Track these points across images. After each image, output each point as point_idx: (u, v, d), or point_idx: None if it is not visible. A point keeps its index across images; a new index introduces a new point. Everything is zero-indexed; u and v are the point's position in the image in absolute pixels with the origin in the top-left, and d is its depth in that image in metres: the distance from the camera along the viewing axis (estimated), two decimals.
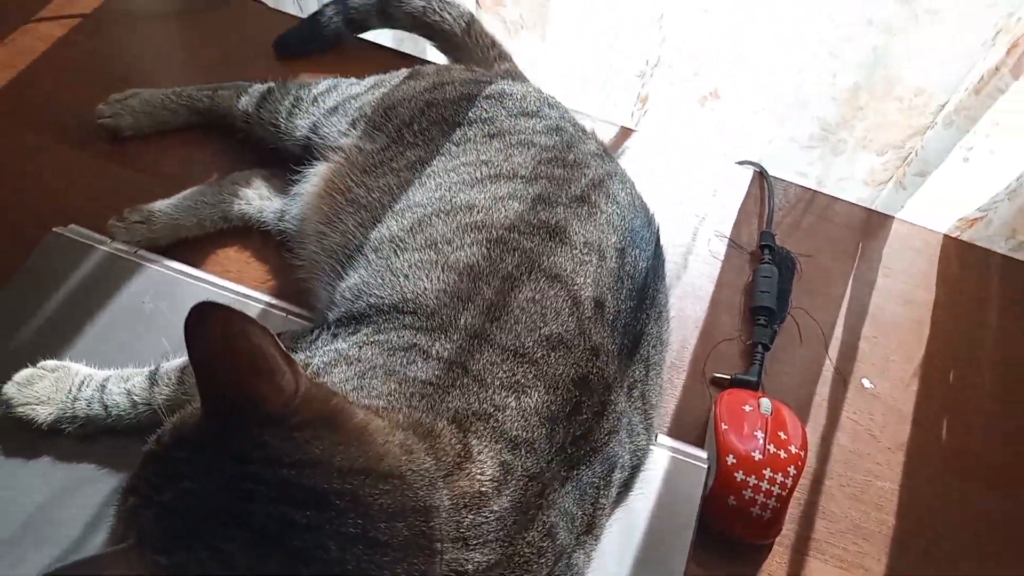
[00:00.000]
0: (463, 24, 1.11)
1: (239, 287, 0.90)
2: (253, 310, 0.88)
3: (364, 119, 0.93)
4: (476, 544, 0.56)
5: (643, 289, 0.81)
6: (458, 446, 0.59)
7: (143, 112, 1.04)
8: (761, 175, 1.18)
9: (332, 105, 0.97)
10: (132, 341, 0.84)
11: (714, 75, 1.37)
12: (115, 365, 0.82)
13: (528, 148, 0.87)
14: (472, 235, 0.76)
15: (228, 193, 0.97)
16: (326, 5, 1.17)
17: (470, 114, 0.90)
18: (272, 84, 1.03)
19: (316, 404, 0.52)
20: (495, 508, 0.58)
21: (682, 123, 1.43)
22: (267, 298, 0.90)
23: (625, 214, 0.84)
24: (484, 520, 0.57)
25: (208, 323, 0.48)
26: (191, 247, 0.97)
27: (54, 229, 0.91)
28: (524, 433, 0.64)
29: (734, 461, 0.86)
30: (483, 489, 0.58)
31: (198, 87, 1.06)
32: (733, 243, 1.11)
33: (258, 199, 0.98)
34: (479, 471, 0.59)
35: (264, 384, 0.50)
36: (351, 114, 0.95)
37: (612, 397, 0.72)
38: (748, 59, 1.31)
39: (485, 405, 0.64)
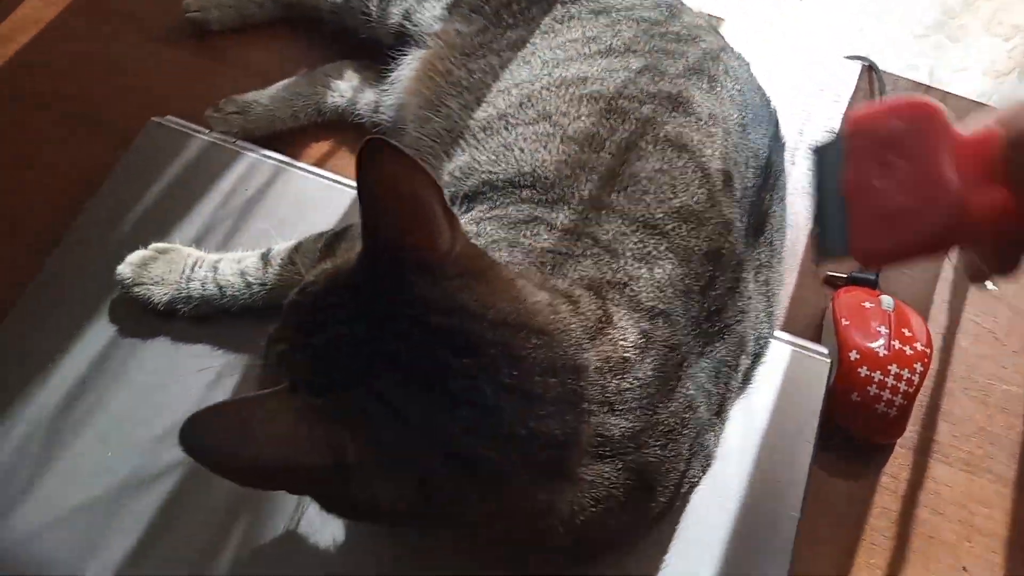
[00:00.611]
0: None
1: (335, 175, 0.89)
2: (348, 198, 0.86)
3: (460, 2, 0.89)
4: (621, 410, 0.54)
5: (767, 168, 0.77)
6: (598, 311, 0.57)
7: (229, 5, 1.02)
8: (870, 69, 1.11)
9: None
10: (235, 226, 0.83)
11: None
12: (220, 249, 0.81)
13: (637, 23, 0.82)
14: (589, 105, 0.73)
15: (321, 85, 0.95)
16: None
17: None
18: None
19: (470, 261, 0.51)
20: (639, 375, 0.56)
21: (782, 14, 1.35)
22: (350, 181, 0.88)
23: (744, 89, 0.79)
24: (628, 386, 0.55)
25: (379, 159, 0.46)
26: (286, 139, 0.95)
27: (152, 118, 0.90)
28: (660, 304, 0.61)
29: (857, 357, 0.82)
30: (626, 355, 0.56)
31: None
32: None
33: (351, 91, 0.95)
34: (621, 337, 0.56)
35: (424, 233, 0.48)
36: None
37: (743, 275, 0.68)
38: None
39: (619, 275, 0.61)
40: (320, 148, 0.96)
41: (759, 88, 0.84)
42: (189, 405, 0.70)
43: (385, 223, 0.48)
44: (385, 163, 0.46)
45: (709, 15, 0.93)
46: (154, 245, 0.78)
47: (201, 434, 0.44)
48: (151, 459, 0.71)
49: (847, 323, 0.85)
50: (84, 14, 1.07)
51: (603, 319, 0.56)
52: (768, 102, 0.83)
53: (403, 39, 0.93)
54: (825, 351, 0.83)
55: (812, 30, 1.31)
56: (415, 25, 0.92)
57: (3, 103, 0.98)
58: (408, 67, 0.90)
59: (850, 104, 1.09)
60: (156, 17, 1.06)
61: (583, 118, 0.72)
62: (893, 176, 0.47)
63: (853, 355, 0.82)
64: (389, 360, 0.47)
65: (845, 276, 0.93)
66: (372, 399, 0.46)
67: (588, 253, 0.62)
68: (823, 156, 0.53)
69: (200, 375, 0.75)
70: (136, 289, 0.75)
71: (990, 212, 0.45)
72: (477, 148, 0.76)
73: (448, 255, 0.49)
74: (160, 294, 0.75)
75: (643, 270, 0.62)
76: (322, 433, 0.45)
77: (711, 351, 0.64)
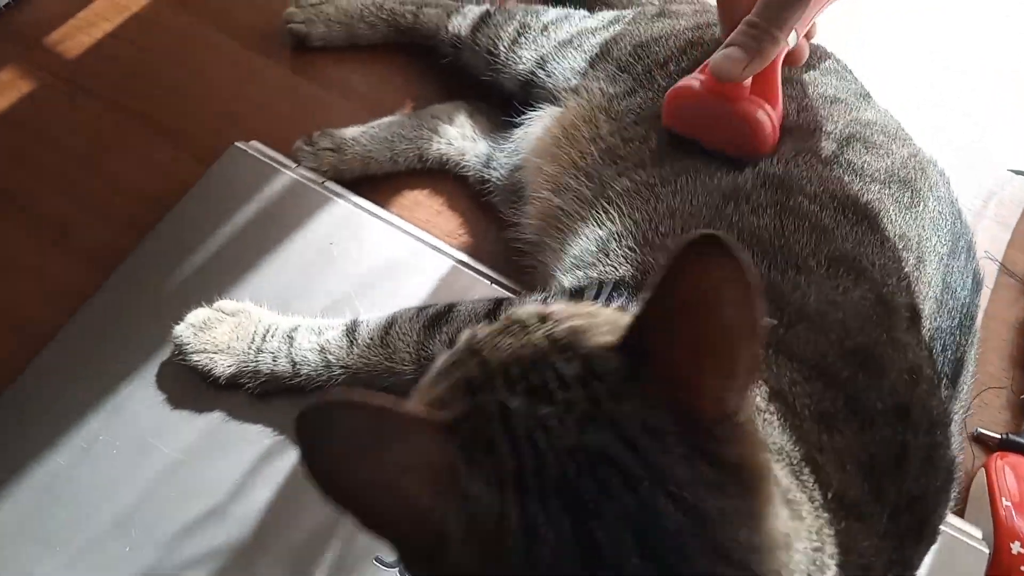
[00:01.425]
0: None
1: (429, 237, 0.79)
2: (443, 265, 0.75)
3: (606, 57, 0.78)
4: None
5: (965, 309, 0.64)
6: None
7: (338, 22, 0.93)
8: None
9: (565, 38, 0.82)
10: (313, 279, 0.74)
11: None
12: (292, 303, 0.72)
13: (833, 104, 0.71)
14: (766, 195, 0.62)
15: (428, 128, 0.85)
16: None
17: None
18: (490, 7, 0.89)
19: (743, 447, 0.37)
20: None
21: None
22: (459, 255, 0.78)
23: (946, 212, 0.67)
24: None
25: (708, 260, 0.34)
26: (377, 184, 0.85)
27: (236, 144, 0.81)
28: (850, 492, 0.49)
29: (1022, 551, 0.69)
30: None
31: (400, 1, 0.93)
32: (1006, 269, 0.92)
33: (460, 139, 0.85)
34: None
35: (713, 380, 0.36)
36: (588, 51, 0.80)
37: (938, 440, 0.56)
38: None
39: (802, 447, 0.50)
40: (413, 197, 0.86)
41: (960, 213, 0.72)
42: (221, 494, 0.64)
43: (671, 341, 0.36)
44: (713, 268, 0.35)
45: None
46: (220, 304, 0.68)
47: (325, 432, 0.34)
48: (170, 558, 0.62)
49: (1008, 505, 0.72)
50: (176, 6, 0.98)
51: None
52: (968, 231, 0.71)
53: (531, 89, 0.83)
54: (979, 535, 0.70)
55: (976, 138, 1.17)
56: (549, 76, 0.81)
57: (75, 98, 0.90)
58: (538, 124, 0.79)
59: (1017, 225, 0.96)
60: (254, 21, 0.97)
61: (759, 214, 0.61)
62: None
63: (1016, 548, 0.70)
64: (570, 485, 0.35)
65: (999, 437, 0.80)
66: (559, 512, 0.35)
67: (772, 411, 0.50)
68: None
69: (240, 455, 0.66)
70: (195, 357, 0.66)
71: None
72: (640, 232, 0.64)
73: (723, 419, 0.37)
74: (223, 365, 0.65)
75: (824, 436, 0.50)
76: (475, 507, 0.35)
77: (899, 556, 0.51)
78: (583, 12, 0.88)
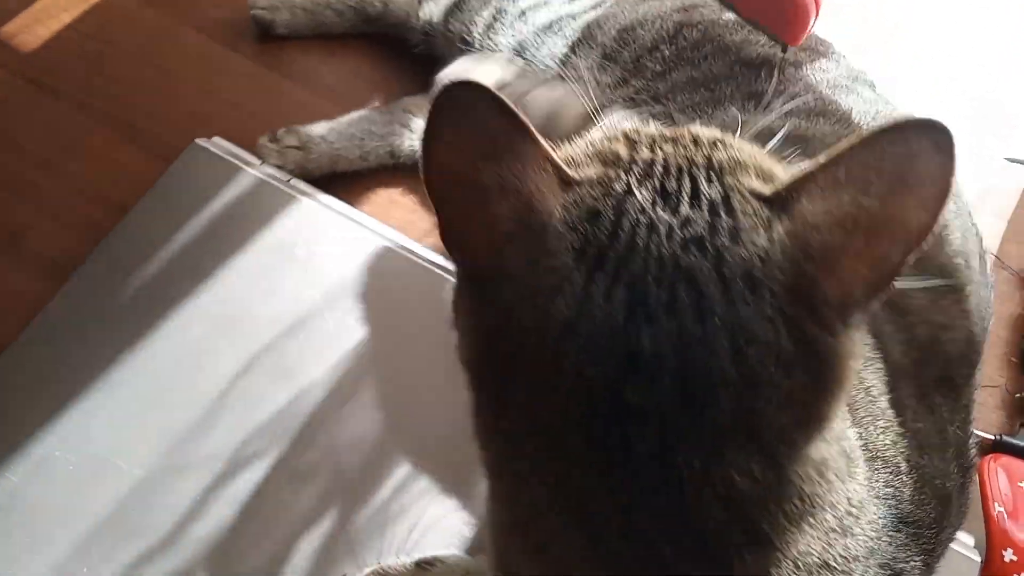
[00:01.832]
0: None
1: (402, 238, 0.76)
2: (420, 271, 0.72)
3: (589, 43, 0.75)
4: None
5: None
6: None
7: (303, 8, 0.89)
8: None
9: (545, 22, 0.79)
10: (277, 285, 0.71)
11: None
12: (255, 310, 0.69)
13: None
14: None
15: (399, 124, 0.82)
16: None
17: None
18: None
19: (837, 347, 0.36)
20: None
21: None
22: (436, 257, 0.75)
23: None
24: None
25: (924, 140, 0.34)
26: (348, 181, 0.82)
27: (197, 140, 0.78)
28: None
29: (1015, 559, 0.68)
30: None
31: None
32: (1001, 263, 0.90)
33: None
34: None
35: (852, 259, 0.35)
36: (569, 35, 0.77)
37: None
38: None
39: None
40: (386, 195, 0.83)
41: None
42: (181, 514, 0.61)
43: (827, 210, 0.35)
44: (922, 156, 0.34)
45: None
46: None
47: (459, 113, 0.35)
48: None
49: (1001, 510, 0.70)
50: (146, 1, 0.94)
51: None
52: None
53: None
54: (971, 542, 0.68)
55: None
56: (527, 62, 0.78)
57: (32, 95, 0.86)
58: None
59: (1012, 217, 0.93)
60: (220, 13, 0.93)
61: None
62: None
63: (1008, 556, 0.68)
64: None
65: (992, 438, 0.78)
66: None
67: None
68: None
69: (201, 471, 0.64)
70: None
71: None
72: None
73: (836, 311, 0.35)
74: None
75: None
76: (546, 262, 0.35)
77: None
78: None
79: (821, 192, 0.35)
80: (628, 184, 0.36)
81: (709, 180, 0.37)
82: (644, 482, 0.34)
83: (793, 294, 0.34)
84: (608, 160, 0.38)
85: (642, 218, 0.35)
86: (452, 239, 0.37)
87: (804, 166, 0.36)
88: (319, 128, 0.80)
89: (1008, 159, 0.98)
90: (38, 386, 0.67)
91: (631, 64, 0.73)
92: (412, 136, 0.82)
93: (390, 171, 0.83)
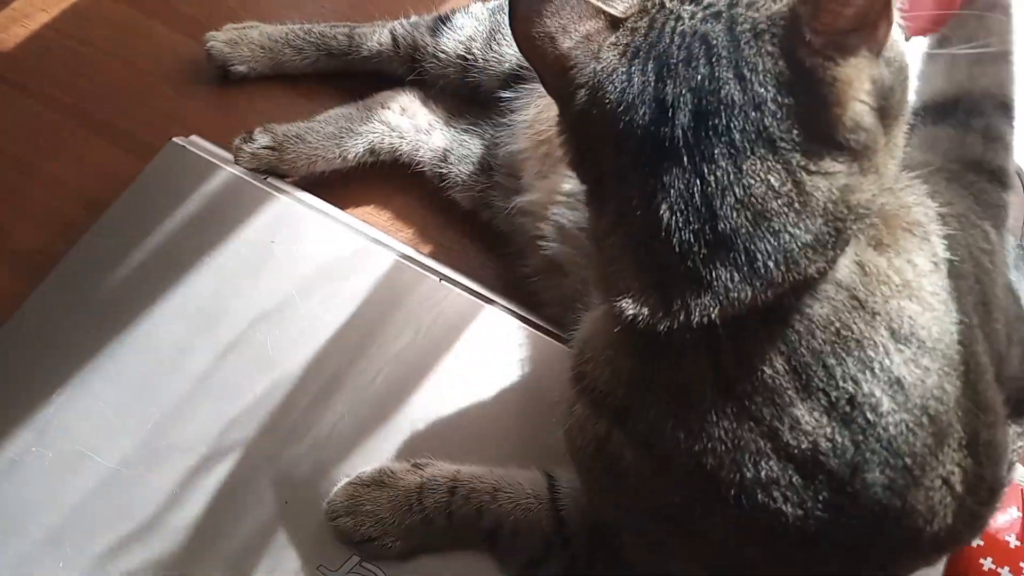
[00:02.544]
0: None
1: (375, 232, 0.78)
2: (387, 263, 0.74)
3: None
4: None
5: None
6: None
7: (261, 47, 0.87)
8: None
9: None
10: (254, 279, 0.72)
11: None
12: (232, 304, 0.71)
13: None
14: None
15: (379, 120, 0.82)
16: None
17: None
18: (439, 14, 0.86)
19: (838, 68, 0.43)
20: None
21: None
22: (407, 249, 0.77)
23: None
24: None
25: None
26: (325, 176, 0.82)
27: (174, 139, 0.79)
28: None
29: (980, 543, 0.69)
30: None
31: (331, 24, 0.89)
32: None
33: (414, 132, 0.83)
34: None
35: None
36: None
37: None
38: None
39: None
40: (362, 191, 0.84)
41: None
42: (156, 505, 0.62)
43: None
44: None
45: None
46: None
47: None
48: (104, 572, 0.61)
49: None
50: None
51: None
52: None
53: (518, 82, 0.80)
54: None
55: None
56: None
57: (9, 94, 0.88)
58: (526, 108, 0.77)
59: None
60: (196, 12, 0.95)
61: None
62: None
63: (974, 541, 0.69)
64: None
65: None
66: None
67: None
68: None
69: (175, 464, 0.65)
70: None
71: None
72: None
73: (832, 39, 0.42)
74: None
75: None
76: (600, 65, 0.46)
77: None
78: None
79: None
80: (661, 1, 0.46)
81: None
82: (679, 198, 0.43)
83: (789, 32, 0.42)
84: None
85: (671, 15, 0.45)
86: (546, 81, 0.49)
87: None
88: (296, 127, 0.81)
89: None
90: (15, 382, 0.68)
91: None
92: (392, 134, 0.82)
93: (367, 166, 0.83)
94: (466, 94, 0.84)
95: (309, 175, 0.80)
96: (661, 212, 0.43)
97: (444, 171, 0.81)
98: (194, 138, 0.80)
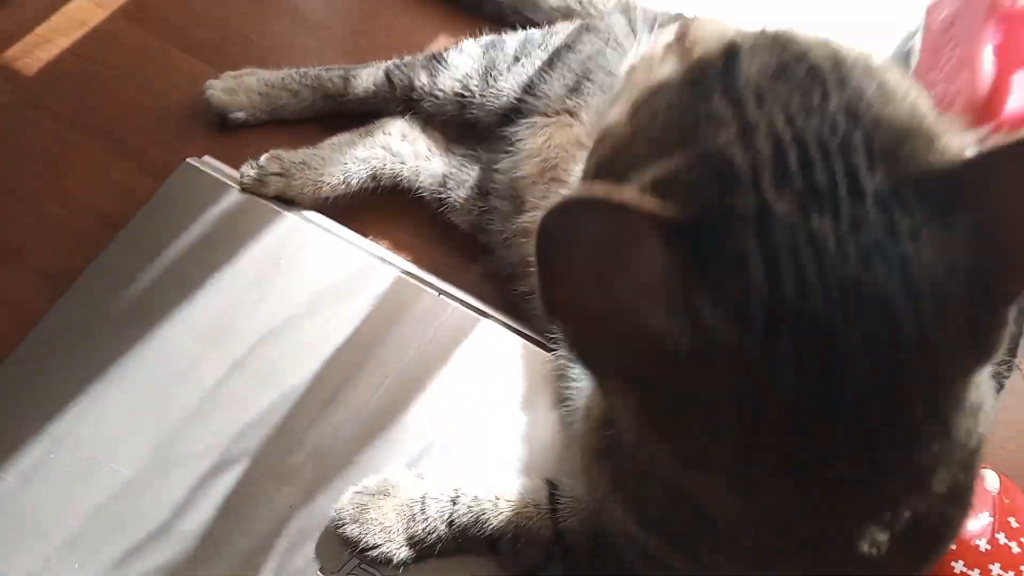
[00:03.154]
0: None
1: (381, 250, 0.81)
2: (389, 279, 0.77)
3: (601, 71, 0.80)
4: None
5: None
6: None
7: (259, 92, 0.90)
8: None
9: (547, 59, 0.83)
10: (262, 296, 0.76)
11: None
12: (239, 321, 0.74)
13: None
14: None
15: (381, 146, 0.86)
16: None
17: None
18: (433, 53, 0.89)
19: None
20: None
21: None
22: (409, 266, 0.80)
23: None
24: None
25: None
26: (332, 202, 0.85)
27: (188, 160, 0.83)
28: None
29: (952, 547, 0.71)
30: None
31: (326, 67, 0.92)
32: None
33: (414, 158, 0.86)
34: None
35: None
36: (575, 66, 0.81)
37: None
38: None
39: None
40: (367, 211, 0.87)
41: None
42: (168, 510, 0.66)
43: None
44: None
45: None
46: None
47: (566, 246, 0.31)
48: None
49: None
50: (134, 23, 1.00)
51: None
52: None
53: (515, 115, 0.83)
54: None
55: None
56: (538, 98, 0.82)
57: (32, 115, 0.92)
58: (531, 138, 0.80)
59: None
60: (210, 37, 0.99)
61: None
62: None
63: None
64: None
65: None
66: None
67: None
68: None
69: (186, 471, 0.68)
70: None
71: None
72: None
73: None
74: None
75: None
76: (709, 338, 0.31)
77: None
78: (538, 32, 0.88)
79: (1010, 177, 0.31)
80: (760, 201, 0.31)
81: (868, 154, 0.31)
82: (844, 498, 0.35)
83: (976, 297, 0.32)
84: (716, 163, 0.31)
85: (800, 240, 0.30)
86: (606, 358, 0.35)
87: (983, 137, 0.33)
88: (302, 154, 0.84)
89: None
90: (35, 394, 0.71)
91: None
92: (394, 160, 0.85)
93: (370, 191, 0.86)
94: (464, 125, 0.87)
95: (315, 200, 0.83)
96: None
97: (443, 196, 0.84)
98: (207, 158, 0.84)
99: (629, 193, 0.31)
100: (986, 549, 0.72)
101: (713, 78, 0.34)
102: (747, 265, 0.30)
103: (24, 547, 0.65)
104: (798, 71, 0.33)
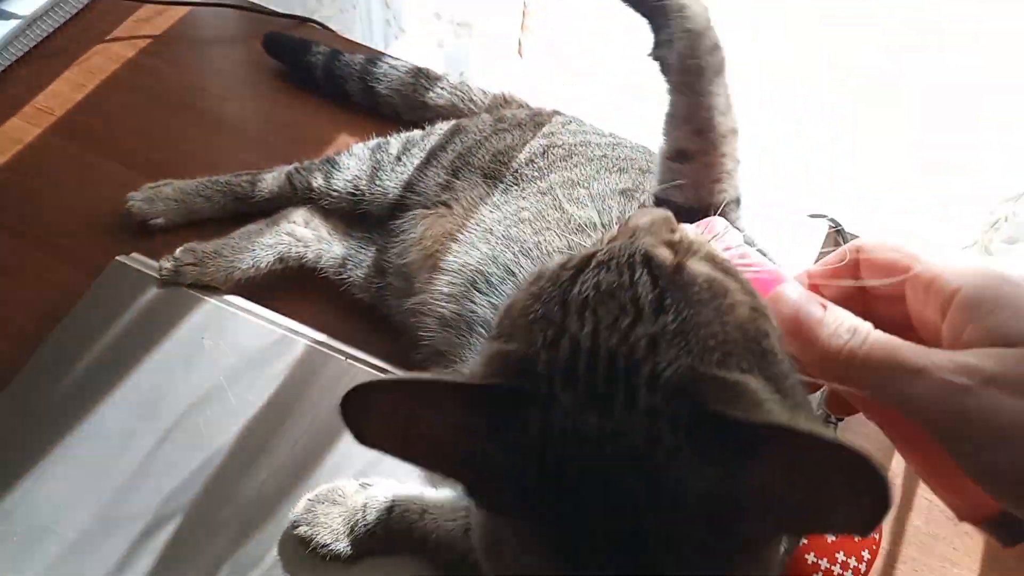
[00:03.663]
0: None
1: (294, 323, 0.92)
2: (299, 348, 0.88)
3: (468, 167, 0.93)
4: None
5: None
6: None
7: (175, 200, 1.02)
8: (837, 232, 1.15)
9: (422, 159, 0.97)
10: (188, 372, 0.86)
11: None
12: (168, 395, 0.85)
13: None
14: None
15: (286, 233, 0.97)
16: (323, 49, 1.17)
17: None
18: (327, 157, 1.03)
19: None
20: None
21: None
22: (319, 336, 0.91)
23: None
24: None
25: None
26: (245, 284, 0.96)
27: (117, 258, 0.94)
28: None
29: (804, 541, 0.83)
30: None
31: (235, 174, 1.04)
32: None
33: (316, 242, 0.98)
34: None
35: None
36: (447, 165, 0.95)
37: None
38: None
39: None
40: (279, 290, 0.97)
41: None
42: (112, 567, 0.74)
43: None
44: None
45: None
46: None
47: (363, 413, 0.41)
48: None
49: None
50: (65, 137, 1.11)
51: None
52: None
53: (399, 209, 0.96)
54: None
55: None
56: (418, 194, 0.95)
57: None
58: (413, 229, 0.93)
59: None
60: (136, 146, 1.10)
61: None
62: None
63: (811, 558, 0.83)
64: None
65: None
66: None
67: None
68: None
69: (130, 527, 0.77)
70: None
71: None
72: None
73: None
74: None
75: None
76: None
77: None
78: (419, 132, 1.03)
79: (781, 457, 0.36)
80: (551, 389, 0.38)
81: (651, 388, 0.37)
82: None
83: (720, 532, 0.37)
84: (537, 329, 0.40)
85: (569, 426, 0.37)
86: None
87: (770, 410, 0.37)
88: (214, 244, 0.95)
89: (811, 215, 1.18)
90: None
91: (510, 176, 0.91)
92: (296, 243, 0.97)
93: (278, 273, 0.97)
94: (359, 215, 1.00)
95: (228, 285, 0.94)
96: None
97: (344, 275, 0.96)
98: (134, 255, 0.95)
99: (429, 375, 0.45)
100: (832, 539, 0.83)
101: (564, 282, 0.42)
102: (528, 429, 0.39)
103: None
104: (622, 296, 0.40)
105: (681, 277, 0.41)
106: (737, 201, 0.72)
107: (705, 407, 0.37)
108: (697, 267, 0.42)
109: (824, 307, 0.44)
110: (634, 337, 0.38)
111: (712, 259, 0.43)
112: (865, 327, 0.42)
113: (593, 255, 0.43)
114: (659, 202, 0.70)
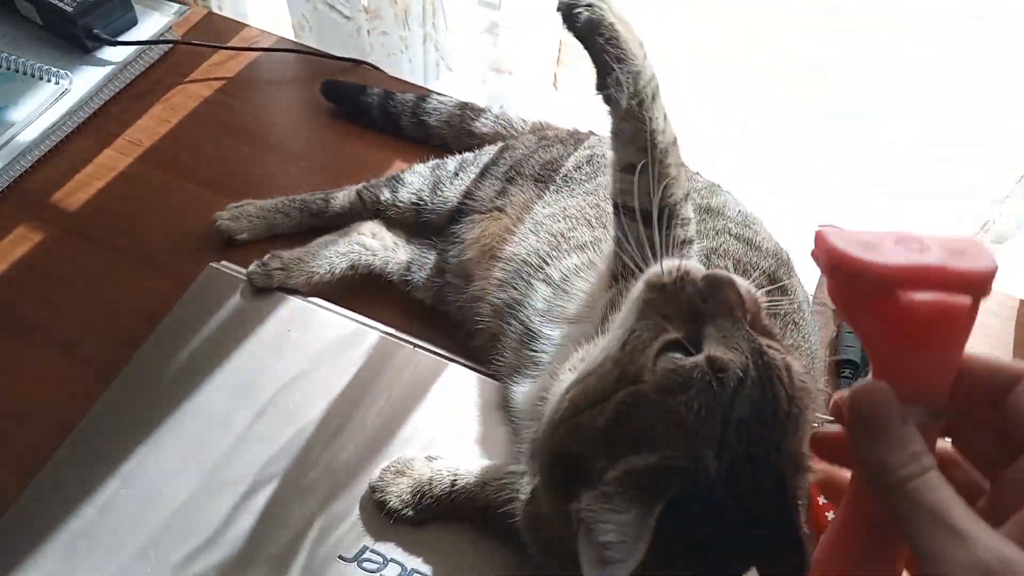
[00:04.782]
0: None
1: (366, 319, 1.04)
2: (374, 338, 1.01)
3: (521, 174, 1.06)
4: None
5: None
6: None
7: (258, 216, 1.15)
8: None
9: (479, 172, 1.10)
10: (277, 359, 0.99)
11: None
12: (257, 380, 0.97)
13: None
14: None
15: (356, 243, 1.09)
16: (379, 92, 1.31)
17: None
18: (393, 175, 1.16)
19: None
20: None
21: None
22: (386, 328, 1.04)
23: None
24: None
25: None
26: (321, 288, 1.08)
27: (210, 264, 1.06)
28: None
29: (823, 500, 0.92)
30: None
31: (310, 193, 1.18)
32: (817, 301, 1.19)
33: (383, 250, 1.10)
34: None
35: None
36: (501, 176, 1.08)
37: None
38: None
39: None
40: (352, 291, 1.09)
41: None
42: (215, 526, 0.85)
43: None
44: None
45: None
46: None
47: None
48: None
49: (824, 502, 0.94)
50: (153, 166, 1.25)
51: None
52: None
53: (459, 215, 1.09)
54: None
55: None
56: (475, 201, 1.08)
57: (77, 242, 1.15)
58: (472, 231, 1.05)
59: None
60: (214, 174, 1.24)
61: None
62: None
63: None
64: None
65: (816, 425, 1.05)
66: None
67: None
68: None
69: (232, 491, 0.89)
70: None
71: None
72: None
73: None
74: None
75: None
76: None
77: None
78: (471, 153, 1.15)
79: None
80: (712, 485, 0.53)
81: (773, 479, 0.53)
82: None
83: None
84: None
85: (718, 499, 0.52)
86: None
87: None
88: (296, 252, 1.07)
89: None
90: (108, 444, 0.91)
91: (560, 179, 1.03)
92: (365, 252, 1.08)
93: (349, 279, 1.09)
94: (422, 224, 1.13)
95: (308, 287, 1.06)
96: None
97: (409, 278, 1.08)
98: (224, 263, 1.08)
99: None
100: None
101: (720, 400, 0.53)
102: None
103: (104, 562, 0.84)
104: (768, 417, 0.54)
105: (794, 381, 0.56)
106: (686, 196, 0.84)
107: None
108: (795, 365, 0.57)
109: (905, 421, 0.44)
110: (767, 441, 0.54)
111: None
112: (929, 463, 0.42)
113: (740, 380, 0.54)
114: (617, 207, 0.82)
